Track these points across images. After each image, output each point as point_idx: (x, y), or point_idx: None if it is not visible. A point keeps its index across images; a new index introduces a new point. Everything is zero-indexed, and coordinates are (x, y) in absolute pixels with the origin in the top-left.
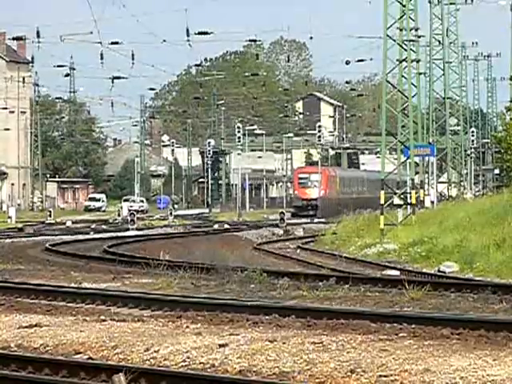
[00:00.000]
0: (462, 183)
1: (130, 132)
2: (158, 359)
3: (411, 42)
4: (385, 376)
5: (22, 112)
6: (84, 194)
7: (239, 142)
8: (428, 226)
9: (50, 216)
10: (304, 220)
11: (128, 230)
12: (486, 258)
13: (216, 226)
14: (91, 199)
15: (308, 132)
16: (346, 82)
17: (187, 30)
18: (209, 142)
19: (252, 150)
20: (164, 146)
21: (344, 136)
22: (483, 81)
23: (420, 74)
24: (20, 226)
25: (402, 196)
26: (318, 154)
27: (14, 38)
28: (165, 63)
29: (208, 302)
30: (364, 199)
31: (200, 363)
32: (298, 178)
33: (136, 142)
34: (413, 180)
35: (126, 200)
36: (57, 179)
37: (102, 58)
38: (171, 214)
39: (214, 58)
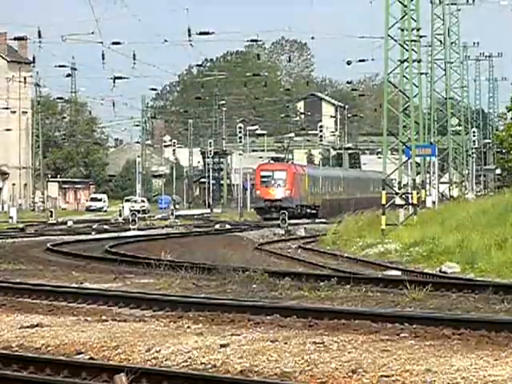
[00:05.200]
0: (463, 183)
1: (131, 132)
2: (160, 359)
3: (413, 42)
4: (386, 376)
5: (23, 112)
6: (85, 195)
7: (240, 142)
8: (429, 227)
9: (52, 216)
10: (305, 220)
11: (129, 230)
12: (488, 258)
13: (217, 226)
14: (93, 199)
15: (309, 132)
16: (348, 82)
17: (189, 30)
18: (210, 142)
19: (253, 151)
20: (165, 146)
21: (345, 136)
22: (484, 81)
23: (421, 74)
24: (21, 226)
25: (402, 196)
26: (319, 155)
27: (15, 38)
28: (166, 63)
29: (209, 302)
30: (340, 201)
31: (201, 363)
32: (259, 175)
33: (137, 143)
34: (414, 180)
35: (127, 200)
36: (58, 179)
37: (103, 58)
38: (172, 214)
39: (215, 58)
